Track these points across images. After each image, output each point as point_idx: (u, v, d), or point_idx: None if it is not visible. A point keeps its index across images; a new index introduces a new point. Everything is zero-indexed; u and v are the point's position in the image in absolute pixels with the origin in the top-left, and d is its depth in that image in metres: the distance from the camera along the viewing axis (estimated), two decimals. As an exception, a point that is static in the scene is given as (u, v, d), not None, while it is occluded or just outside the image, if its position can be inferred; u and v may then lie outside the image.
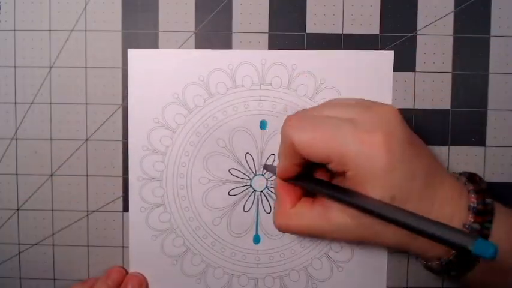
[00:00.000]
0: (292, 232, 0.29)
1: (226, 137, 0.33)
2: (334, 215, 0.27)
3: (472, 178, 0.28)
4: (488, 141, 0.33)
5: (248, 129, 0.33)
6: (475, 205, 0.26)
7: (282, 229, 0.29)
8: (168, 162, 0.33)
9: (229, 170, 0.33)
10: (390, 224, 0.24)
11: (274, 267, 0.33)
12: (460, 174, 0.29)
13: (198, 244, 0.33)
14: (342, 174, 0.26)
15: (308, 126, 0.26)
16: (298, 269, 0.33)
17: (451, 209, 0.26)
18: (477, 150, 0.33)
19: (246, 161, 0.33)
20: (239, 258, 0.33)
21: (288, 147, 0.27)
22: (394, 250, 0.33)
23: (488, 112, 0.33)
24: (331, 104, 0.28)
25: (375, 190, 0.25)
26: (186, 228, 0.33)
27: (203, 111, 0.33)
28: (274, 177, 0.31)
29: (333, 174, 0.29)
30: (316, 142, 0.25)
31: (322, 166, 0.29)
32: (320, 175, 0.30)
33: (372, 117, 0.26)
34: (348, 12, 0.33)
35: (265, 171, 0.33)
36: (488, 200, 0.26)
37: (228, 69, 0.32)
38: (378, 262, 0.33)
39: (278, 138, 0.30)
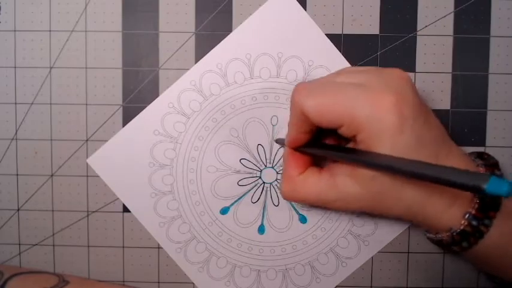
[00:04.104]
0: (298, 200, 0.29)
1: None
2: (342, 182, 0.27)
3: (481, 155, 0.28)
4: (488, 141, 0.33)
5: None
6: None
7: (288, 196, 0.29)
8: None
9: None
10: (401, 183, 0.24)
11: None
12: (469, 154, 0.29)
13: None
14: (352, 139, 0.26)
15: (318, 92, 0.26)
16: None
17: None
18: (477, 150, 0.33)
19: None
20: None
21: (298, 114, 0.26)
22: (402, 221, 0.31)
23: (488, 112, 0.33)
24: (340, 71, 0.28)
25: (385, 152, 0.24)
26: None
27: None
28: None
29: (341, 142, 0.29)
30: (326, 107, 0.25)
31: (330, 135, 0.29)
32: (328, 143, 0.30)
33: (382, 80, 0.25)
34: (348, 12, 0.33)
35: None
36: (498, 173, 0.26)
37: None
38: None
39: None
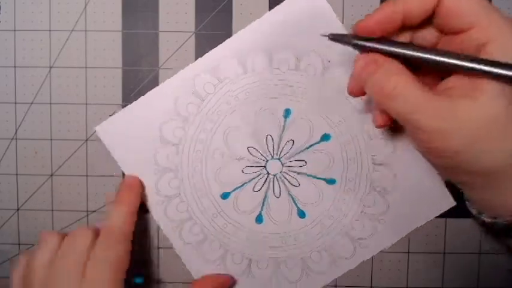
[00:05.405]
0: (386, 104, 0.23)
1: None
2: (463, 106, 0.21)
3: None
4: (488, 141, 0.33)
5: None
6: None
7: (387, 92, 0.23)
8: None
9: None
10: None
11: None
12: None
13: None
14: (470, 49, 0.22)
15: None
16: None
17: None
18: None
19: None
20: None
21: None
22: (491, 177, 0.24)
23: (489, 112, 0.33)
24: None
25: (497, 51, 0.21)
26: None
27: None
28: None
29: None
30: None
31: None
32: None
33: None
34: (348, 12, 0.33)
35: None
36: None
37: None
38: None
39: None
